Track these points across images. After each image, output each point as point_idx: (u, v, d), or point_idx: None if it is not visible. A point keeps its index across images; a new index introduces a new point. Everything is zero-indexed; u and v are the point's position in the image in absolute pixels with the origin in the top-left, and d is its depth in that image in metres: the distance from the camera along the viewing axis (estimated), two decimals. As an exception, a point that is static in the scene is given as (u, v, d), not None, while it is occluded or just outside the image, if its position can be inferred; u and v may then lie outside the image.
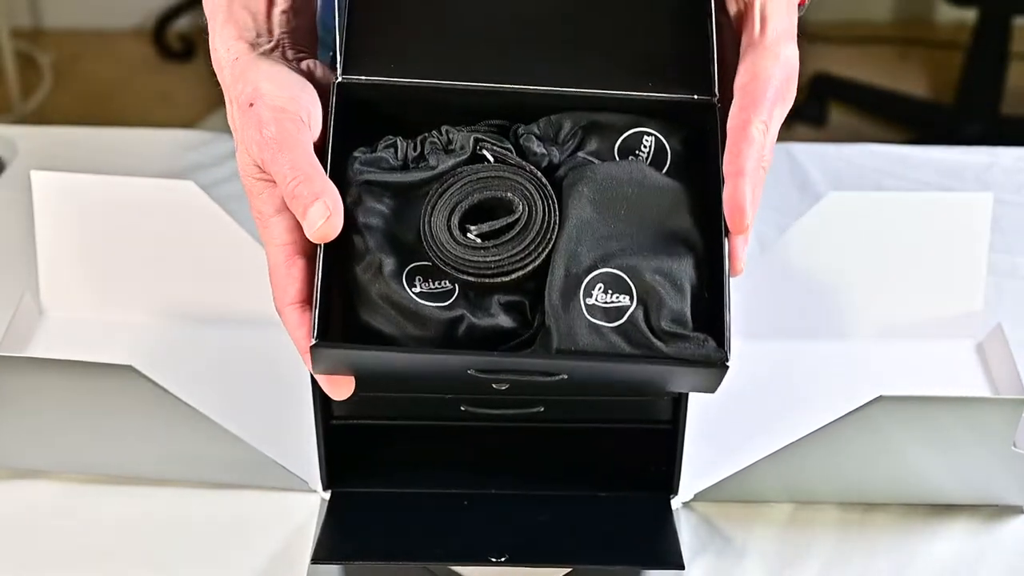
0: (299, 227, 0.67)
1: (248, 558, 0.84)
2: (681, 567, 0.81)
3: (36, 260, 1.00)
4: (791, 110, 0.71)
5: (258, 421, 0.90)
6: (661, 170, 0.70)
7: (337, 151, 0.69)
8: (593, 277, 0.67)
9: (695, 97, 0.71)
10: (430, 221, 0.68)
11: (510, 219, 0.68)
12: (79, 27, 2.70)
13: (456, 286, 0.68)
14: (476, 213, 0.68)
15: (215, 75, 0.72)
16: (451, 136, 0.70)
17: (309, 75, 0.71)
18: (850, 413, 0.78)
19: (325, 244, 0.66)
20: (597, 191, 0.68)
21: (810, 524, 0.87)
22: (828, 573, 0.84)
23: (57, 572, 0.84)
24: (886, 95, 2.51)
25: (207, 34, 0.73)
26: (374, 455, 0.89)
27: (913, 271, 1.00)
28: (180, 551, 0.85)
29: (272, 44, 0.72)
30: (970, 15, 2.40)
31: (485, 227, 0.67)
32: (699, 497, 0.87)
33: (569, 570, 0.83)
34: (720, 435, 0.90)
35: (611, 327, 0.67)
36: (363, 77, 0.70)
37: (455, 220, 0.68)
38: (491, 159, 0.69)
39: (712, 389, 0.69)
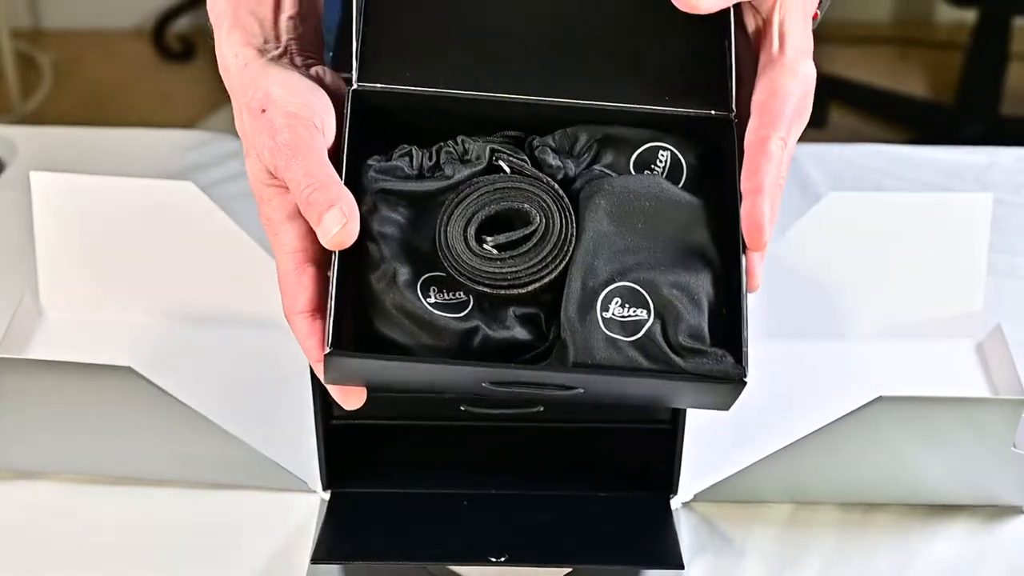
0: (310, 234, 0.67)
1: (248, 558, 0.84)
2: (681, 567, 0.81)
3: (36, 261, 1.00)
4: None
5: (258, 422, 0.90)
6: (677, 185, 0.70)
7: (352, 159, 0.68)
8: (610, 291, 0.66)
9: (712, 113, 0.70)
10: (446, 231, 0.67)
11: (527, 230, 0.67)
12: (79, 27, 2.70)
13: (471, 297, 0.67)
14: (492, 224, 0.67)
15: (215, 76, 0.72)
16: (467, 146, 0.69)
17: (318, 81, 0.70)
18: (850, 413, 0.78)
19: (340, 252, 0.65)
20: (614, 204, 0.68)
21: (810, 524, 0.87)
22: (828, 573, 0.84)
23: (57, 572, 0.84)
24: (886, 95, 2.51)
25: (212, 39, 0.72)
26: (374, 455, 0.89)
27: (913, 271, 1.00)
28: (180, 551, 0.85)
29: (280, 50, 0.71)
30: (970, 15, 2.40)
31: (502, 238, 0.67)
32: (699, 497, 0.87)
33: (569, 570, 0.83)
34: (720, 435, 0.90)
35: (628, 341, 0.66)
36: (378, 85, 0.69)
37: (471, 230, 0.67)
38: (507, 170, 0.69)
39: (727, 406, 0.68)
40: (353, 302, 0.67)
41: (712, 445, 0.90)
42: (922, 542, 0.86)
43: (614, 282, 0.67)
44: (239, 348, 0.99)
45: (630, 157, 0.71)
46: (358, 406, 0.69)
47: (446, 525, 0.85)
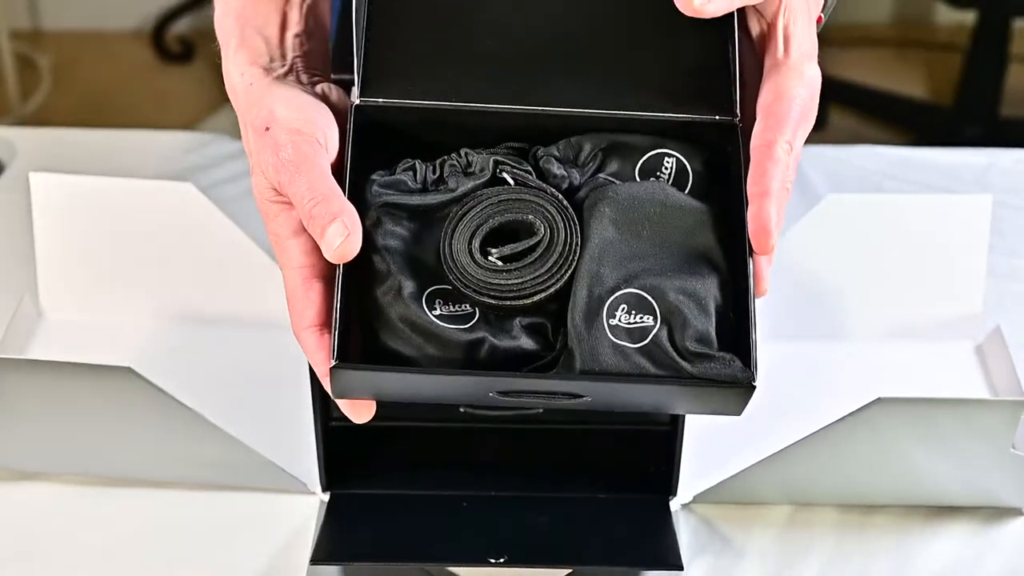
0: (316, 250, 0.67)
1: (247, 560, 0.84)
2: (680, 568, 0.81)
3: (35, 262, 1.00)
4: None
5: (257, 423, 0.90)
6: (682, 191, 0.70)
7: (355, 174, 0.68)
8: (616, 298, 0.66)
9: (717, 118, 0.70)
10: (450, 244, 0.67)
11: (531, 241, 0.67)
12: (78, 29, 2.70)
13: (476, 310, 0.67)
14: (497, 236, 0.67)
15: (215, 78, 0.72)
16: (470, 158, 0.69)
17: (324, 98, 0.71)
18: (849, 415, 0.78)
19: (344, 266, 0.65)
20: (619, 211, 0.68)
21: (809, 525, 0.87)
22: (827, 575, 0.84)
23: (57, 572, 0.84)
24: (885, 97, 2.51)
25: (219, 58, 0.72)
26: (373, 456, 0.89)
27: (912, 273, 1.00)
28: (179, 553, 0.85)
29: (286, 68, 0.71)
30: (969, 17, 2.40)
31: (507, 250, 0.66)
32: (698, 499, 0.87)
33: (568, 572, 0.83)
34: (719, 437, 0.90)
35: (635, 348, 0.66)
36: (381, 100, 0.69)
37: (476, 243, 0.67)
38: (511, 181, 0.69)
39: (738, 411, 0.67)
40: (360, 316, 0.67)
41: (711, 446, 0.90)
42: (921, 543, 0.86)
43: (620, 289, 0.66)
44: (239, 349, 0.99)
45: (635, 165, 0.71)
46: (369, 417, 0.69)
47: (445, 526, 0.85)
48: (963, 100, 2.41)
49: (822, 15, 0.73)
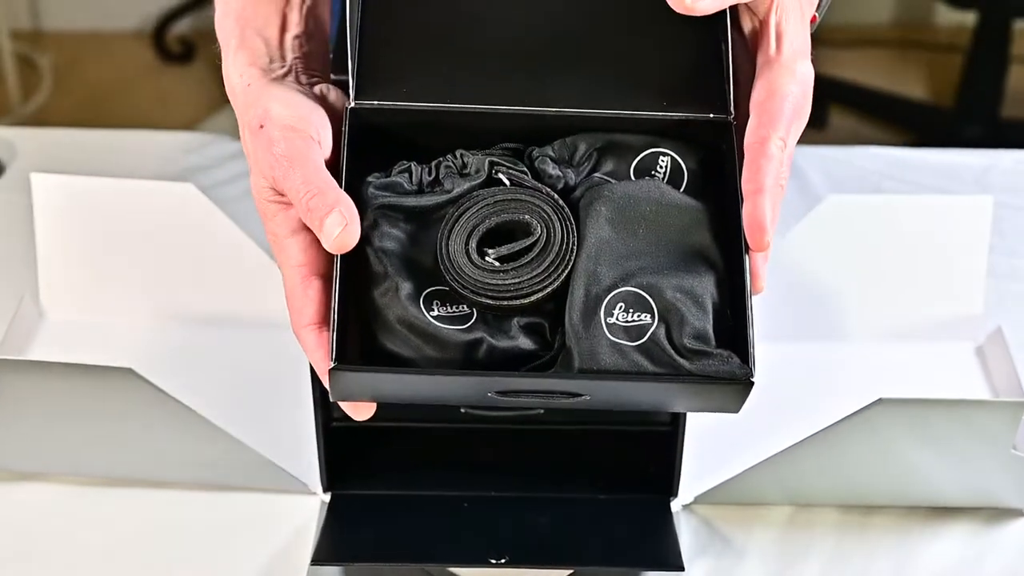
0: (314, 247, 0.67)
1: (248, 560, 0.84)
2: (681, 569, 0.81)
3: (36, 262, 1.00)
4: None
5: (258, 423, 0.90)
6: (677, 190, 0.70)
7: (351, 176, 0.68)
8: (613, 296, 0.66)
9: (711, 116, 0.70)
10: (447, 245, 0.67)
11: (528, 241, 0.67)
12: (78, 29, 2.70)
13: (474, 311, 0.67)
14: (493, 236, 0.67)
15: (215, 78, 0.72)
16: (466, 160, 0.69)
17: (322, 99, 0.71)
18: (850, 416, 0.78)
19: (342, 267, 0.65)
20: (615, 210, 0.68)
21: (810, 526, 0.87)
22: (827, 575, 0.84)
23: (57, 573, 0.84)
24: (886, 98, 2.51)
25: (220, 60, 0.72)
26: (374, 457, 0.89)
27: (913, 274, 1.00)
28: (179, 553, 0.85)
29: (285, 69, 0.72)
30: (970, 18, 2.40)
31: (503, 250, 0.67)
32: (699, 499, 0.87)
33: (569, 572, 0.83)
34: (720, 437, 0.90)
35: (633, 346, 0.66)
36: (375, 102, 0.69)
37: (473, 244, 0.67)
38: (507, 182, 0.69)
39: (736, 408, 0.67)
40: (358, 318, 0.67)
41: (712, 447, 0.90)
42: (922, 544, 0.86)
43: (617, 287, 0.66)
44: (239, 349, 0.99)
45: (630, 164, 0.71)
46: (368, 416, 0.69)
47: (446, 527, 0.85)
48: (963, 101, 2.41)
49: (816, 14, 0.73)
